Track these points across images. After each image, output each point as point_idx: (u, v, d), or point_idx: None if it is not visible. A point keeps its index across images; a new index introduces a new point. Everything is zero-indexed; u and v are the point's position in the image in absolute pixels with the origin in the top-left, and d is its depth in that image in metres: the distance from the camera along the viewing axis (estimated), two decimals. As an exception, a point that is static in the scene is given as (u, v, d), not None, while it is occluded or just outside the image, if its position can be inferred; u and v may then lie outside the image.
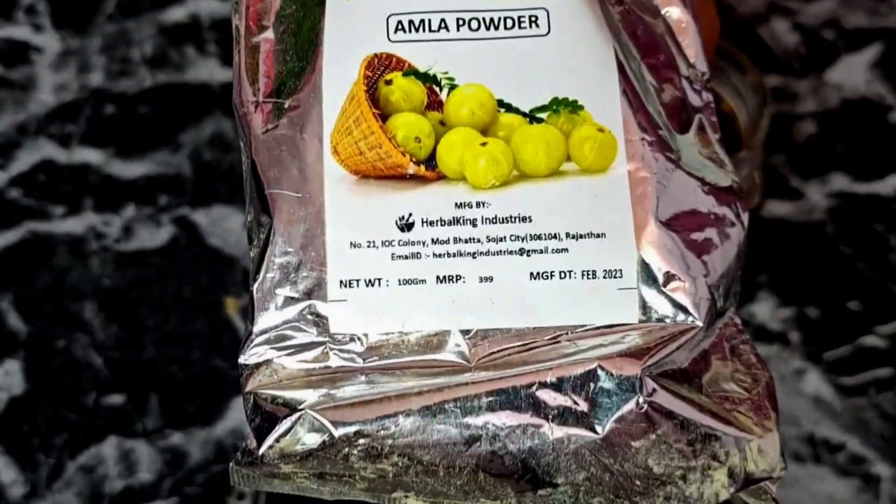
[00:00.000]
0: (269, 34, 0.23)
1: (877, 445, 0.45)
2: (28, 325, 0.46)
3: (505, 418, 0.21)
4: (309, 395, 0.23)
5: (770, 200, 0.50)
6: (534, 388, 0.22)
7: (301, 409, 0.22)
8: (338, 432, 0.22)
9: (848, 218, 0.50)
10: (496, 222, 0.23)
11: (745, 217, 0.25)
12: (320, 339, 0.23)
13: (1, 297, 0.47)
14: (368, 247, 0.23)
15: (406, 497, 0.22)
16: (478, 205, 0.23)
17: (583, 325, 0.22)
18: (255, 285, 0.24)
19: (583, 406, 0.22)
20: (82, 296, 0.47)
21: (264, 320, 0.23)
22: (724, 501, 0.23)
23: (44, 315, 0.46)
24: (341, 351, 0.23)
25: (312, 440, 0.22)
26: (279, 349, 0.23)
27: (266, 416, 0.23)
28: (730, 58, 0.42)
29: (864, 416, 0.46)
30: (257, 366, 0.24)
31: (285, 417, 0.23)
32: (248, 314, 0.24)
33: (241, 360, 0.24)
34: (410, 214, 0.23)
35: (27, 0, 0.54)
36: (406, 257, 0.23)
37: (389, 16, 0.23)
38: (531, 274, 0.23)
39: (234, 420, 0.45)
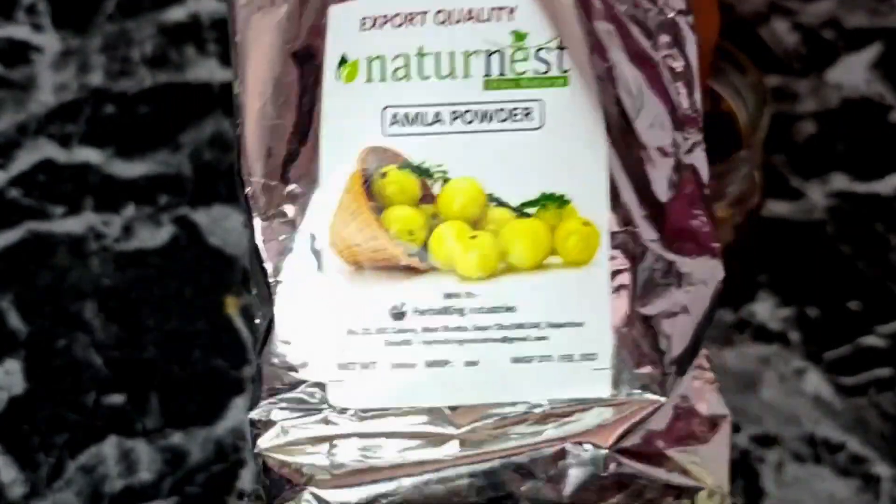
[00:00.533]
0: (269, 107, 0.24)
1: (877, 445, 0.45)
2: (28, 325, 0.46)
3: (486, 489, 0.24)
4: (311, 462, 0.25)
5: (770, 200, 0.50)
6: (509, 467, 0.24)
7: (304, 486, 0.25)
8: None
9: (848, 217, 0.50)
10: (482, 312, 0.25)
11: (719, 277, 0.26)
12: (321, 406, 0.25)
13: (1, 296, 0.47)
14: (364, 334, 0.25)
15: None
16: (466, 295, 0.25)
17: (556, 403, 0.24)
18: (262, 357, 0.26)
19: (553, 481, 0.24)
20: (82, 295, 0.47)
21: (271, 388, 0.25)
22: None
23: (44, 315, 0.46)
24: (340, 418, 0.25)
25: None
26: (286, 410, 0.25)
27: (275, 483, 0.25)
28: (730, 57, 0.42)
29: (864, 415, 0.46)
30: (266, 424, 0.26)
31: (293, 490, 0.25)
32: (256, 380, 0.26)
33: (252, 415, 0.26)
34: (403, 304, 0.25)
35: (27, 0, 0.54)
36: (398, 343, 0.25)
37: (385, 108, 0.24)
38: (512, 358, 0.25)
39: (235, 419, 0.45)
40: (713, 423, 0.26)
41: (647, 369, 0.25)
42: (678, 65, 0.25)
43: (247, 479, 0.44)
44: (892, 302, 0.48)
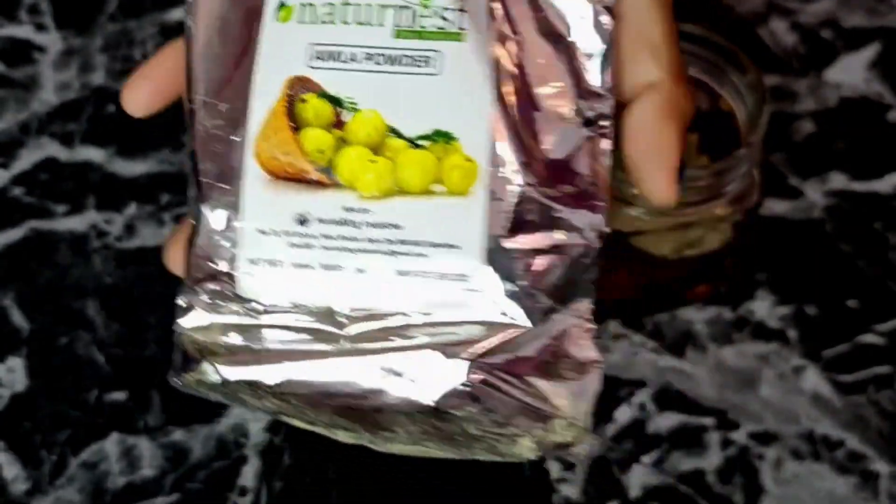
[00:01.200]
0: (215, 39, 0.29)
1: (876, 443, 0.45)
2: (30, 323, 0.46)
3: (358, 383, 0.28)
4: (215, 341, 0.30)
5: (769, 199, 0.50)
6: (384, 364, 0.28)
7: (207, 359, 0.30)
8: (231, 379, 0.30)
9: (847, 216, 0.50)
10: (374, 227, 0.29)
11: (598, 229, 0.29)
12: (231, 295, 0.30)
13: (4, 294, 0.47)
14: (272, 234, 0.29)
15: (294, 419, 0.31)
16: (361, 210, 0.29)
17: (431, 315, 0.28)
18: (192, 250, 0.30)
19: (419, 383, 0.28)
20: (84, 293, 0.47)
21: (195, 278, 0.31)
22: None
23: (46, 312, 0.46)
24: (245, 308, 0.29)
25: (216, 378, 0.30)
26: (205, 296, 0.30)
27: (185, 357, 0.30)
28: (729, 57, 0.42)
29: (863, 413, 0.46)
30: (187, 308, 0.30)
31: (197, 362, 0.30)
32: (187, 269, 0.31)
33: (178, 300, 0.31)
34: (308, 213, 0.29)
35: (30, 0, 0.54)
36: (300, 246, 0.29)
37: (309, 44, 0.29)
38: (396, 271, 0.29)
39: (236, 417, 0.45)
40: (582, 366, 0.28)
41: (514, 297, 0.28)
42: (593, 47, 0.28)
43: (248, 476, 0.44)
44: (891, 300, 0.48)
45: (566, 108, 0.28)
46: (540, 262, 0.28)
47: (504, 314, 0.28)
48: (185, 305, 0.30)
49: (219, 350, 0.29)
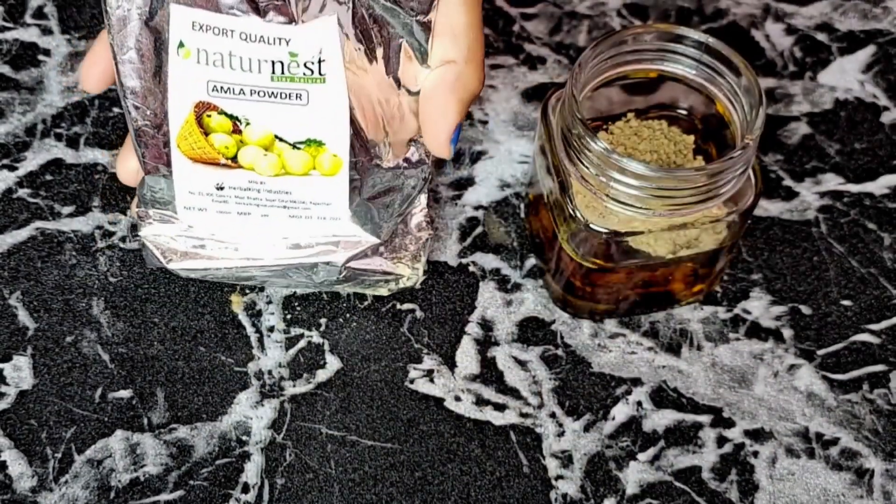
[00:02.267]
0: (134, 55, 0.38)
1: (869, 440, 0.46)
2: (36, 322, 0.47)
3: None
4: (171, 245, 0.44)
5: (764, 199, 0.51)
6: (291, 268, 0.44)
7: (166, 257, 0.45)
8: (178, 269, 0.45)
9: (841, 217, 0.51)
10: (271, 192, 0.41)
11: (424, 170, 0.43)
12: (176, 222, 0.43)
13: (10, 293, 0.47)
14: (199, 194, 0.41)
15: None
16: (261, 183, 0.41)
17: (316, 239, 0.43)
18: (141, 192, 0.43)
19: (320, 276, 0.45)
20: (90, 293, 0.47)
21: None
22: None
23: (52, 311, 0.47)
24: (182, 232, 0.44)
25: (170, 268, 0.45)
26: (158, 220, 0.44)
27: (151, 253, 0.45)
28: (724, 60, 0.42)
29: (856, 411, 0.46)
30: (145, 224, 0.44)
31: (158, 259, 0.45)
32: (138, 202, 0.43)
33: (133, 217, 0.45)
34: (223, 181, 0.41)
35: (36, 3, 0.54)
36: (220, 201, 0.42)
37: (208, 81, 0.38)
38: (289, 216, 0.42)
39: (239, 414, 0.45)
40: (419, 232, 0.45)
41: (367, 227, 0.43)
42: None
43: (251, 473, 0.44)
44: (885, 300, 0.49)
45: (379, 137, 0.41)
46: (379, 202, 0.42)
47: (362, 236, 0.43)
48: (143, 222, 0.43)
49: (169, 252, 0.44)
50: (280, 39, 0.37)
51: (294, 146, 0.39)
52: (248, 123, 0.39)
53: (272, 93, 0.38)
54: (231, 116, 0.39)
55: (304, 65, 0.37)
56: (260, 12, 0.36)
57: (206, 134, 0.39)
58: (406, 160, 0.42)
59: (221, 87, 0.38)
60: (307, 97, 0.38)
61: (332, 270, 0.44)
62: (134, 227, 0.48)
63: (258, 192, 0.41)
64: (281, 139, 0.39)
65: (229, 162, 0.40)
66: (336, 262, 0.44)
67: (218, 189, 0.41)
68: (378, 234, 0.43)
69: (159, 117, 0.39)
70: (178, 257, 0.44)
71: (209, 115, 0.39)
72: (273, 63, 0.37)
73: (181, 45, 0.37)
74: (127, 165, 0.42)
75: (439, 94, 0.38)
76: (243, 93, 0.38)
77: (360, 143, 0.40)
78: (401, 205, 0.43)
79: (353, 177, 0.41)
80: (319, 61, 0.37)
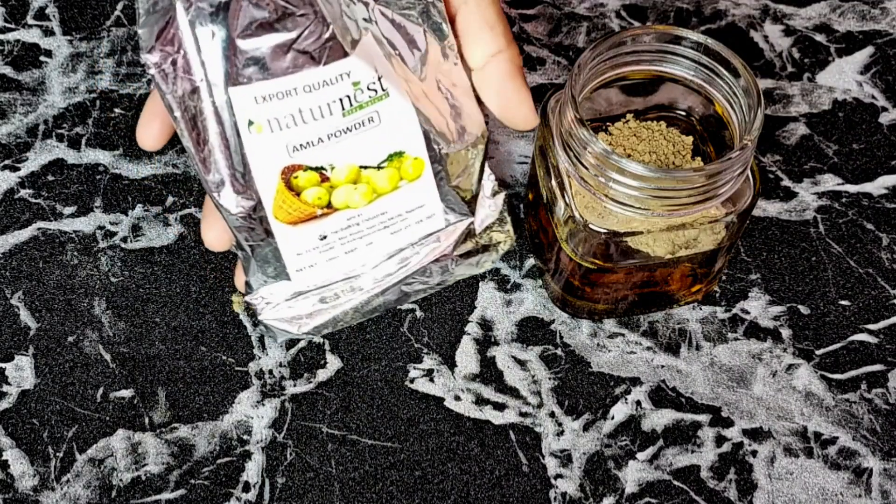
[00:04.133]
0: (215, 144, 0.38)
1: (867, 440, 0.46)
2: (38, 321, 0.47)
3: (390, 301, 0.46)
4: (293, 315, 0.45)
5: (762, 200, 0.51)
6: (406, 278, 0.45)
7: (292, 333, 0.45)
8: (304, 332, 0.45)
9: (839, 217, 0.51)
10: (369, 220, 0.42)
11: (481, 138, 0.43)
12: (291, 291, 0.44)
13: (12, 293, 0.47)
14: (306, 252, 0.42)
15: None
16: (358, 215, 0.41)
17: (420, 242, 0.44)
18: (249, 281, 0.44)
19: (434, 276, 0.46)
20: (91, 292, 0.47)
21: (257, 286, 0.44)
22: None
23: (54, 311, 0.47)
24: (303, 294, 0.44)
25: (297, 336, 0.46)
26: (275, 292, 0.44)
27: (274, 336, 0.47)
28: (723, 61, 0.42)
29: (855, 410, 0.46)
30: (265, 306, 0.44)
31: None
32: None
33: (251, 302, 0.44)
34: (324, 231, 0.41)
35: (38, 4, 0.55)
36: (326, 250, 0.42)
37: (286, 145, 0.38)
38: (391, 232, 0.43)
39: (240, 413, 0.45)
40: (495, 196, 0.46)
41: (459, 210, 0.44)
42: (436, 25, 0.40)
43: (252, 472, 0.44)
44: (883, 300, 0.49)
45: (446, 104, 0.41)
46: (459, 183, 0.43)
47: (459, 219, 0.44)
48: (263, 304, 0.44)
49: (294, 321, 0.45)
50: (341, 76, 0.37)
51: (378, 167, 0.40)
52: (332, 167, 0.39)
53: (347, 128, 0.38)
54: (316, 169, 0.39)
55: (368, 88, 0.38)
56: (316, 60, 0.36)
57: (298, 194, 0.39)
58: (464, 136, 0.42)
59: (301, 146, 0.38)
60: (378, 117, 0.38)
61: (445, 265, 0.45)
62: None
63: (358, 226, 0.42)
64: (365, 166, 0.40)
65: (325, 210, 0.40)
66: (446, 255, 0.45)
67: (321, 239, 0.41)
68: (471, 209, 0.44)
69: (250, 198, 0.39)
70: (306, 320, 0.44)
71: (296, 177, 0.39)
72: (341, 100, 0.37)
73: (250, 123, 0.37)
74: (213, 233, 0.41)
75: (506, 85, 0.40)
76: (322, 140, 0.38)
77: (427, 137, 0.40)
78: (476, 174, 0.43)
79: (436, 170, 0.41)
80: (379, 78, 0.37)
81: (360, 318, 0.46)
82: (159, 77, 0.36)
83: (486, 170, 0.45)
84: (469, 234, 0.45)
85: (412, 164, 0.40)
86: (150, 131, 0.40)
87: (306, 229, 0.41)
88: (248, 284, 0.43)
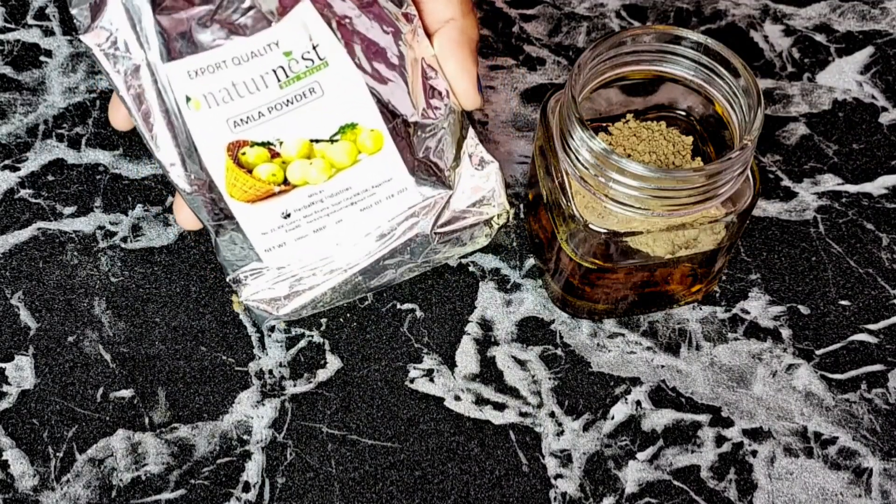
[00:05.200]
0: (161, 128, 0.38)
1: (867, 440, 0.46)
2: (38, 321, 0.47)
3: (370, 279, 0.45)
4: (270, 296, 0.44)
5: (762, 200, 0.51)
6: (385, 257, 0.43)
7: (270, 315, 0.45)
8: (287, 312, 0.44)
9: (839, 217, 0.51)
10: (333, 195, 0.41)
11: (452, 112, 0.42)
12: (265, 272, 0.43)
13: (12, 293, 0.47)
14: (271, 231, 0.41)
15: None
16: (320, 192, 0.40)
17: (396, 217, 0.43)
18: (220, 256, 0.43)
19: (410, 254, 0.44)
20: (91, 292, 0.47)
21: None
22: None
23: (53, 311, 0.47)
24: (274, 277, 0.43)
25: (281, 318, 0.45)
26: (253, 276, 0.44)
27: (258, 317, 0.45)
28: (723, 61, 0.42)
29: (855, 410, 0.46)
30: (242, 286, 0.44)
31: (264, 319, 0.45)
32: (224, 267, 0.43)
33: (231, 282, 0.44)
34: (286, 208, 0.40)
35: (38, 4, 0.55)
36: (293, 229, 0.41)
37: (227, 119, 0.38)
38: (360, 209, 0.42)
39: (240, 413, 0.45)
40: (483, 168, 0.44)
41: (434, 182, 0.42)
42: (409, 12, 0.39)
43: (252, 472, 0.44)
44: (883, 300, 0.49)
45: (394, 63, 0.40)
46: (437, 156, 0.42)
47: (435, 192, 0.43)
48: (239, 283, 0.43)
49: (273, 302, 0.44)
50: (269, 46, 0.36)
51: (332, 141, 0.39)
52: (281, 142, 0.39)
53: (287, 100, 0.38)
54: (263, 144, 0.39)
55: (302, 57, 0.37)
56: (239, 30, 0.36)
57: (250, 171, 0.39)
58: (433, 105, 0.41)
59: (242, 120, 0.38)
60: (320, 87, 0.38)
61: (425, 241, 0.43)
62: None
63: (322, 202, 0.41)
64: (317, 140, 0.39)
65: (283, 187, 0.40)
66: (425, 231, 0.43)
67: (285, 217, 0.41)
68: (447, 183, 0.42)
69: (202, 176, 0.39)
70: (284, 301, 0.44)
71: (244, 153, 0.38)
72: (275, 71, 0.37)
73: (188, 99, 0.37)
74: (185, 212, 0.42)
75: (452, 52, 0.40)
76: (262, 114, 0.38)
77: (384, 108, 0.39)
78: (452, 146, 0.42)
79: (400, 142, 0.40)
80: (314, 47, 0.37)
81: (343, 300, 0.45)
82: (101, 57, 0.36)
83: (472, 140, 0.43)
84: (452, 209, 0.43)
85: (370, 136, 0.40)
86: (121, 112, 0.40)
87: (267, 207, 0.40)
88: (221, 258, 0.43)
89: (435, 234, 0.43)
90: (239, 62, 0.36)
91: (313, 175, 0.40)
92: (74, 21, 0.36)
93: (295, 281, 0.43)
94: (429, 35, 0.40)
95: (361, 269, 0.43)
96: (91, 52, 0.37)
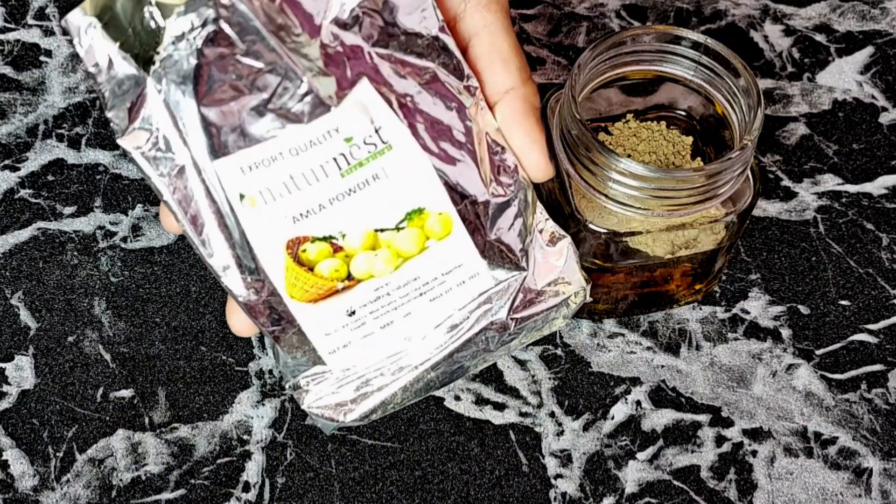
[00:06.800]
0: (213, 229, 0.35)
1: (867, 440, 0.46)
2: (38, 321, 0.47)
3: (445, 375, 0.40)
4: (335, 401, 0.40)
5: (762, 200, 0.51)
6: (458, 349, 0.39)
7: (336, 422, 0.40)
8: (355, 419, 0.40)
9: (839, 217, 0.51)
10: (400, 287, 0.37)
11: (520, 189, 0.39)
12: (329, 375, 0.40)
13: (12, 293, 0.47)
14: (335, 332, 0.38)
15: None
16: (386, 285, 0.37)
17: (466, 308, 0.39)
18: (281, 363, 0.40)
19: (484, 347, 0.40)
20: (91, 292, 0.47)
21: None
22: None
23: (53, 311, 0.47)
24: (338, 380, 0.40)
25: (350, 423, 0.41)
26: (314, 382, 0.40)
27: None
28: (723, 61, 0.42)
29: (855, 410, 0.46)
30: (306, 392, 0.40)
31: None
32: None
33: (292, 390, 0.40)
34: (351, 306, 0.37)
35: (38, 4, 0.55)
36: (358, 327, 0.38)
37: (285, 216, 0.35)
38: (429, 300, 0.38)
39: (240, 413, 0.45)
40: (555, 244, 0.40)
41: (507, 265, 0.38)
42: (450, 62, 0.36)
43: (252, 472, 0.44)
44: (883, 300, 0.49)
45: (463, 138, 0.37)
46: (509, 237, 0.38)
47: (510, 276, 0.39)
48: (300, 389, 0.39)
49: (338, 408, 0.40)
50: (329, 133, 0.33)
51: (398, 229, 0.36)
52: (344, 235, 0.36)
53: (350, 189, 0.35)
54: (325, 238, 0.35)
55: (364, 142, 0.34)
56: (295, 118, 0.33)
57: (311, 269, 0.36)
58: (502, 182, 0.38)
59: (302, 215, 0.35)
60: (384, 173, 0.35)
61: (501, 329, 0.39)
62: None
63: (389, 295, 0.37)
64: (382, 229, 0.36)
65: (347, 283, 0.37)
66: (501, 318, 0.39)
67: (350, 315, 0.37)
68: (520, 264, 0.39)
69: (259, 278, 0.36)
70: (351, 406, 0.39)
71: (304, 250, 0.35)
72: (335, 159, 0.34)
73: (242, 196, 0.34)
74: (238, 316, 0.38)
75: (518, 123, 0.37)
76: (323, 207, 0.35)
77: (452, 190, 0.36)
78: (524, 225, 0.38)
79: (467, 225, 0.37)
80: (376, 130, 0.34)
81: (414, 399, 0.40)
82: (141, 161, 0.33)
83: (542, 215, 0.40)
84: (527, 291, 0.39)
85: (437, 220, 0.36)
86: (171, 216, 0.36)
87: (330, 306, 0.37)
88: (282, 376, 0.41)
89: (511, 319, 0.39)
90: (297, 153, 0.33)
91: (379, 267, 0.36)
92: (111, 125, 0.33)
93: (362, 383, 0.39)
94: (490, 107, 0.37)
95: (433, 363, 0.39)
96: (130, 155, 0.34)
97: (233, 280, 0.35)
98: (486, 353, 0.40)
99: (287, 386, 0.40)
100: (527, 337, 0.40)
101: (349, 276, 0.36)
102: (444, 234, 0.37)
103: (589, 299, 0.40)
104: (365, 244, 0.36)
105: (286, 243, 0.35)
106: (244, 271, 0.35)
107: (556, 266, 0.39)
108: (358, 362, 0.39)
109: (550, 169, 0.38)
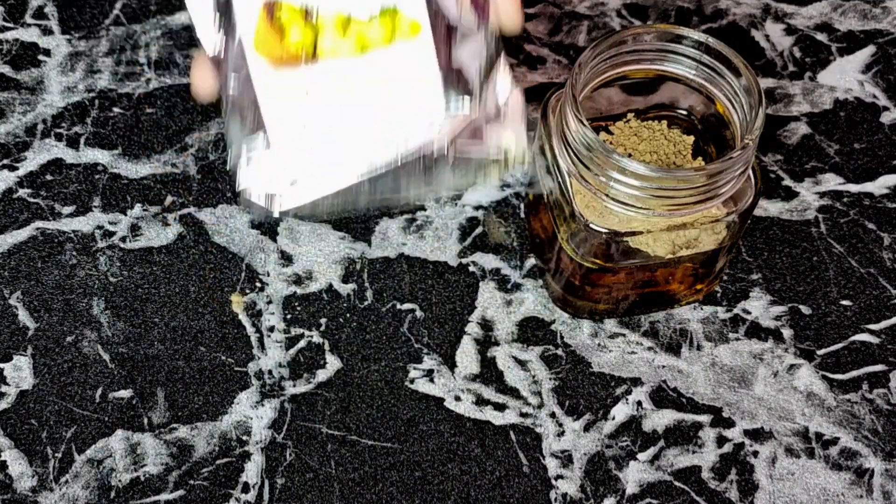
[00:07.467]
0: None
1: (869, 440, 0.46)
2: (37, 321, 0.47)
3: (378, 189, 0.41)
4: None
5: (764, 200, 0.51)
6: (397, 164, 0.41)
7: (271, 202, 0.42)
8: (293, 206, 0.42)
9: (840, 216, 0.51)
10: (358, 79, 0.39)
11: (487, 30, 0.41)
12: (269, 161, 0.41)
13: (10, 293, 0.47)
14: (285, 104, 0.39)
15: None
16: (345, 72, 0.39)
17: (415, 118, 0.40)
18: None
19: (427, 171, 0.41)
20: (90, 292, 0.47)
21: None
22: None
23: (52, 311, 0.47)
24: (276, 172, 0.40)
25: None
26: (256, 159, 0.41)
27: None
28: (724, 60, 0.42)
29: (856, 411, 0.46)
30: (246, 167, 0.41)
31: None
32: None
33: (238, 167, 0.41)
34: (308, 87, 0.39)
35: (36, 3, 0.54)
36: (311, 111, 0.39)
37: None
38: (381, 103, 0.39)
39: (240, 414, 0.45)
40: (508, 95, 0.41)
41: (461, 92, 0.40)
42: None
43: (251, 473, 0.44)
44: (884, 300, 0.49)
45: None
46: (469, 72, 0.40)
47: (453, 106, 0.40)
48: (240, 169, 0.41)
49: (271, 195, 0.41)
50: None
51: (370, 21, 0.39)
52: (318, 11, 0.39)
53: None
54: (301, 10, 0.38)
55: None
56: None
57: (281, 36, 0.39)
58: (474, 17, 0.40)
59: None
60: None
61: (441, 155, 0.41)
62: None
63: (344, 85, 0.40)
64: (355, 19, 0.39)
65: (311, 60, 0.39)
66: (442, 143, 0.41)
67: (305, 96, 0.40)
68: (472, 100, 0.41)
69: (232, 28, 0.39)
70: (284, 194, 0.41)
71: (279, 7, 0.38)
72: None
73: None
74: (203, 76, 0.40)
75: None
76: None
77: (433, 8, 0.39)
78: (483, 66, 0.41)
79: (435, 41, 0.39)
80: None
81: (343, 210, 0.43)
82: None
83: (505, 71, 0.41)
84: (472, 128, 0.41)
85: (409, 26, 0.39)
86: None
87: (289, 77, 0.39)
88: (227, 148, 0.42)
89: (451, 146, 0.41)
90: None
91: (344, 48, 0.39)
92: None
93: (297, 179, 0.41)
94: None
95: (369, 174, 0.41)
96: None
97: (206, 32, 0.39)
98: (420, 180, 0.41)
99: (228, 168, 0.42)
100: (462, 180, 0.42)
101: (314, 56, 0.39)
102: (413, 34, 0.39)
103: (528, 162, 0.43)
104: (336, 24, 0.39)
105: (265, 3, 0.38)
106: (218, 24, 0.39)
107: (506, 114, 0.42)
108: (302, 150, 0.41)
109: (520, 21, 0.41)
